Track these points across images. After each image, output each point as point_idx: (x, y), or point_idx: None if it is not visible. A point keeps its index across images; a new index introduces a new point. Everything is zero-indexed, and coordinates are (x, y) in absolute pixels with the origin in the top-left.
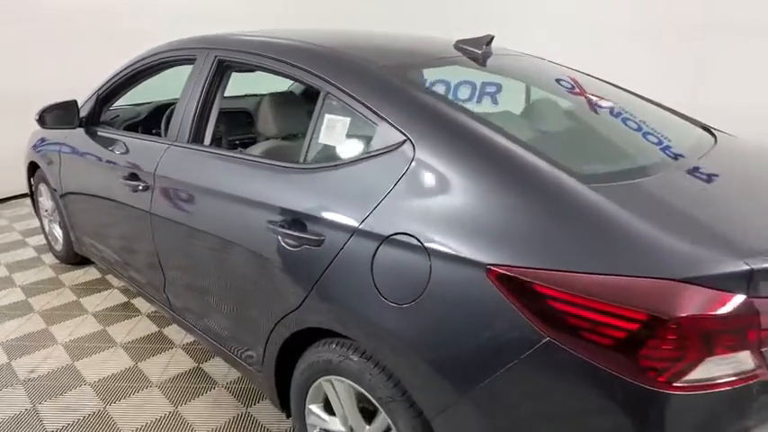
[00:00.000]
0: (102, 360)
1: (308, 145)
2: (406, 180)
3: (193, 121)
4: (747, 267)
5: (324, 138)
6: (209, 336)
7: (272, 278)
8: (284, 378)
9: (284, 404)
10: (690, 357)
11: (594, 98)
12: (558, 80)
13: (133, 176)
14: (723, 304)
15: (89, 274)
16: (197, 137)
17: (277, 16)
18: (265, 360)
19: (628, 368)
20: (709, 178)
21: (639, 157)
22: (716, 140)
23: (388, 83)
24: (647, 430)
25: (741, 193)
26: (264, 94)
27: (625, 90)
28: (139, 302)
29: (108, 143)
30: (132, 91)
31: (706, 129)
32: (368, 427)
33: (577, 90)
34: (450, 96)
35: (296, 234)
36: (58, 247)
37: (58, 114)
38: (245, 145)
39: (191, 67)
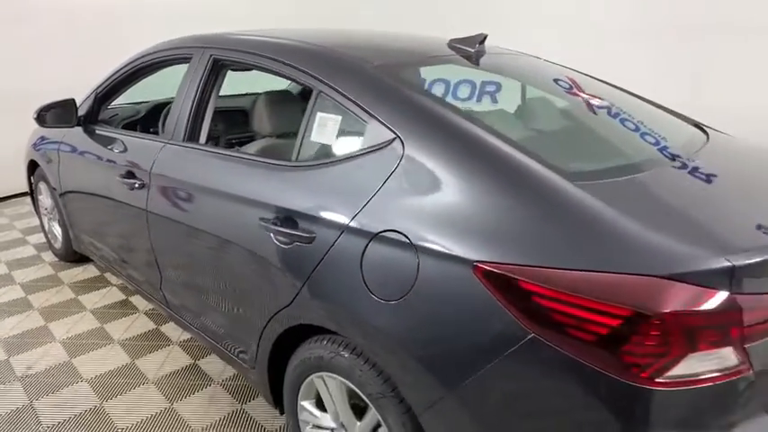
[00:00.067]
0: (99, 357)
1: (301, 143)
2: (396, 178)
3: (189, 119)
4: (729, 264)
5: (315, 136)
6: (205, 333)
7: (265, 275)
8: (277, 375)
9: (277, 401)
10: (673, 353)
11: (587, 96)
12: (552, 78)
13: (130, 174)
14: (706, 301)
15: (88, 271)
16: (192, 135)
17: (277, 16)
18: (259, 357)
19: (611, 364)
20: (698, 176)
21: (628, 155)
22: (708, 138)
23: (379, 81)
24: (630, 426)
25: (729, 190)
26: (260, 93)
27: (617, 87)
28: (137, 300)
29: (106, 141)
30: (132, 89)
31: (698, 126)
32: (358, 423)
33: (571, 87)
34: (443, 95)
35: (288, 231)
36: (58, 245)
37: (57, 113)
38: (241, 143)
39: (187, 65)
